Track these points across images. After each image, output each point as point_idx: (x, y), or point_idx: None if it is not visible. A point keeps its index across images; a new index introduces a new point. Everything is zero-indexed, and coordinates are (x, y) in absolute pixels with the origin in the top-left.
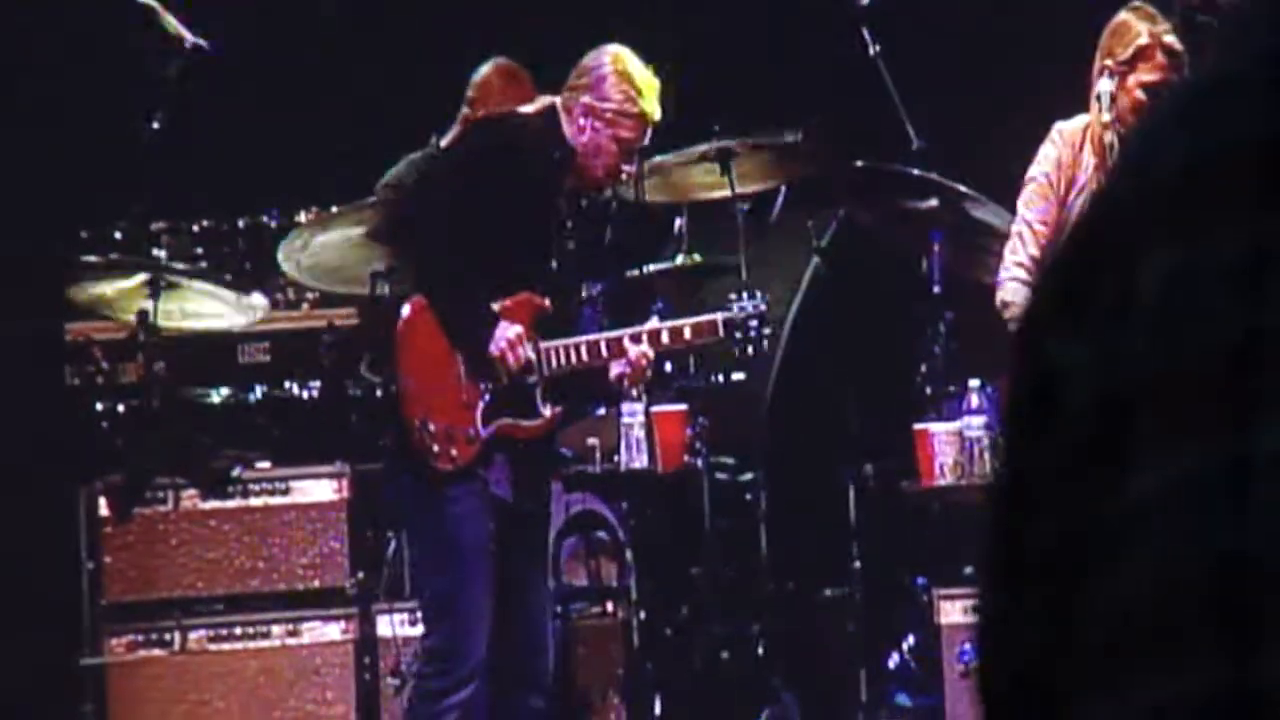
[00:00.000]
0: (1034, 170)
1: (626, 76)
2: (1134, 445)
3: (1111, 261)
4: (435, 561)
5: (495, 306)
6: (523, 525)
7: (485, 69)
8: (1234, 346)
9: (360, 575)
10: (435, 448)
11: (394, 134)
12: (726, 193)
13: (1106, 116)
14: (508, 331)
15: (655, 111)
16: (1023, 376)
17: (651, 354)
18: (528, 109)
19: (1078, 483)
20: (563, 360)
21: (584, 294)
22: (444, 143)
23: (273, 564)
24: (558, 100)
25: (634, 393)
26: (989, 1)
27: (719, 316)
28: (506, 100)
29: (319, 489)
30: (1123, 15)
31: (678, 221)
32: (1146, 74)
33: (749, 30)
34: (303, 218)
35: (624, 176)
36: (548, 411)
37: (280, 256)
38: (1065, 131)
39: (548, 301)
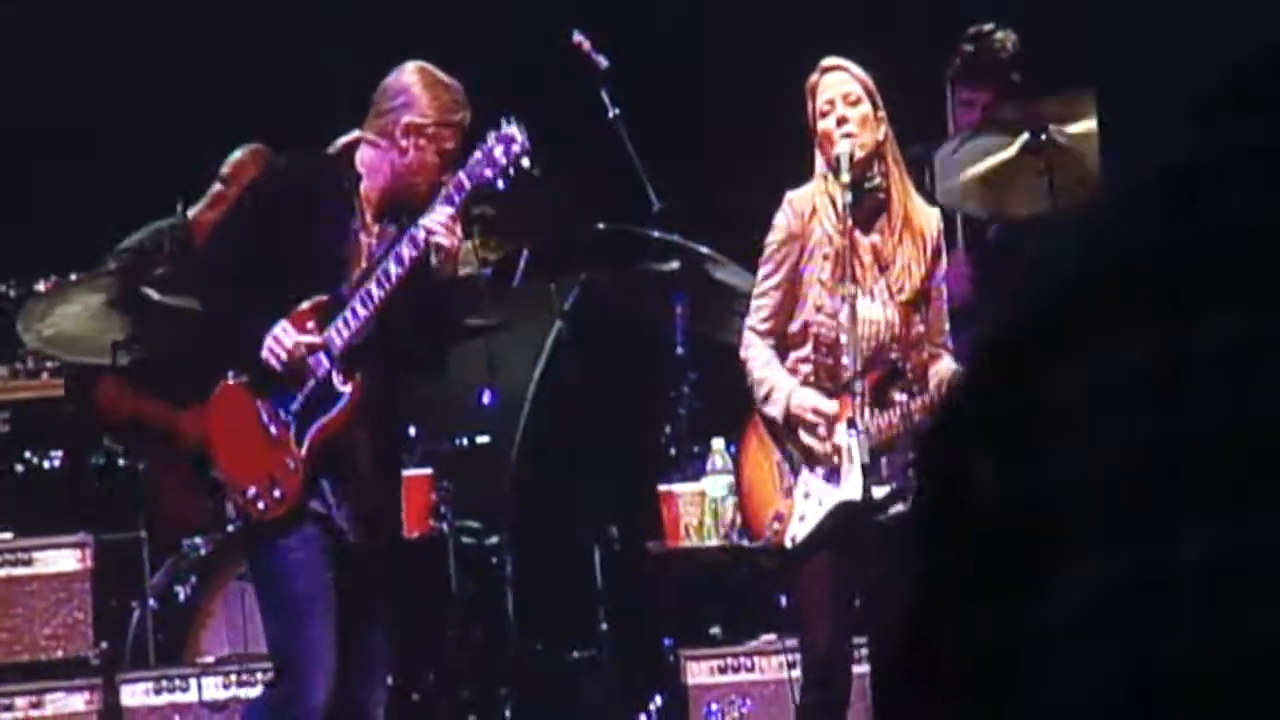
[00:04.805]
0: (769, 238)
1: (438, 85)
2: (1050, 554)
3: (1021, 370)
4: (274, 612)
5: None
6: (361, 568)
7: (240, 153)
8: (1150, 454)
9: (104, 645)
10: (261, 504)
11: (132, 201)
12: (470, 265)
13: (846, 177)
14: (272, 330)
15: (468, 116)
16: (932, 486)
17: (448, 211)
18: (330, 149)
19: (993, 592)
20: (347, 329)
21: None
22: (192, 213)
23: (15, 635)
24: (359, 133)
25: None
26: (725, 67)
27: (460, 173)
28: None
29: (62, 559)
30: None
31: None
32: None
33: (489, 93)
34: (41, 286)
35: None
36: (348, 388)
37: (19, 326)
38: (795, 200)
39: (326, 298)
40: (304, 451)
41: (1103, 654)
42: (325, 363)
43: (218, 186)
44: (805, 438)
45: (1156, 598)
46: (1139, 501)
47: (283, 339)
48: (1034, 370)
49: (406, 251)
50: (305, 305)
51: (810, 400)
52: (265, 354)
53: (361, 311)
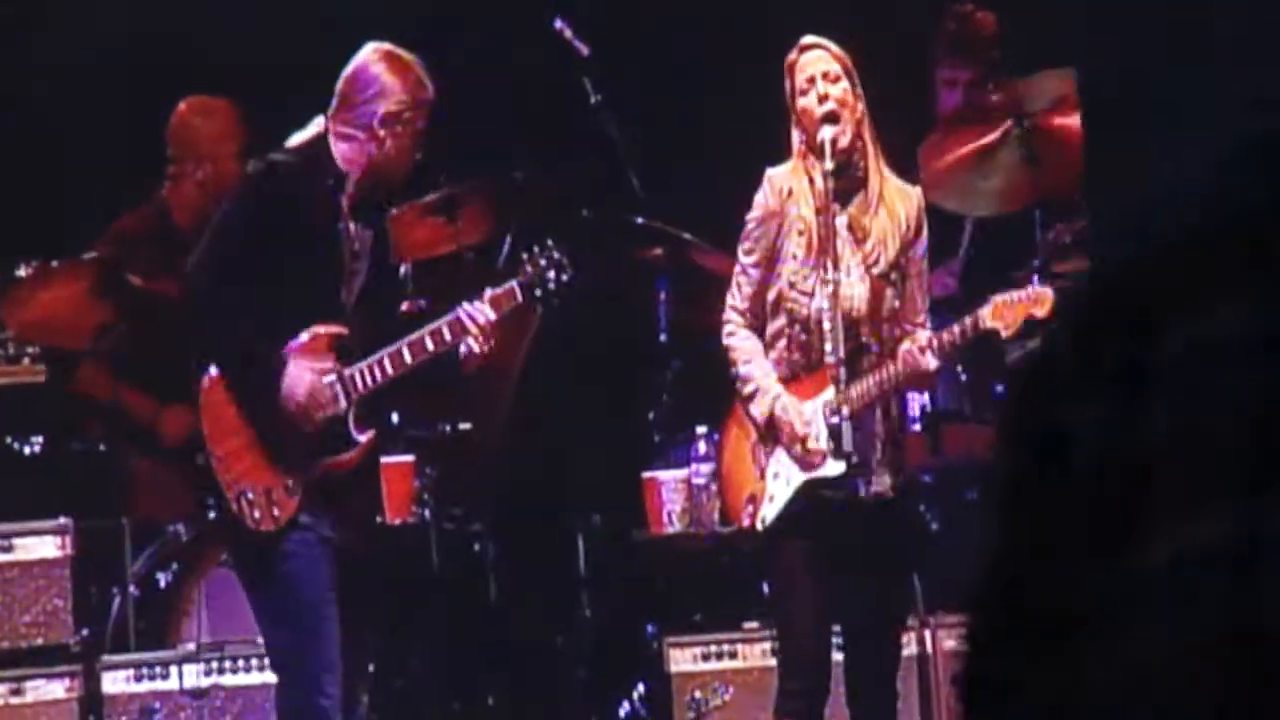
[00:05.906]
0: (749, 215)
1: (405, 67)
2: (1148, 510)
3: (1127, 326)
4: (279, 619)
5: (291, 348)
6: (351, 573)
7: (180, 109)
8: (1253, 415)
9: (85, 632)
10: (256, 513)
11: (115, 187)
12: (453, 246)
13: (830, 165)
14: (296, 389)
15: (433, 89)
16: (1029, 437)
17: (492, 315)
18: (294, 142)
19: (1088, 545)
20: (369, 380)
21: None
22: (164, 193)
23: None
24: (324, 123)
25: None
26: (710, 52)
27: (513, 283)
28: (210, 138)
29: (42, 545)
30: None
31: (403, 268)
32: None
33: (470, 81)
34: (23, 271)
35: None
36: (363, 438)
37: (1, 311)
38: (774, 178)
39: (344, 329)
40: (305, 478)
41: (1197, 613)
42: (343, 402)
43: (175, 161)
44: (784, 442)
45: (1252, 559)
46: (1238, 462)
47: (315, 401)
48: (1139, 327)
49: (446, 334)
50: (317, 335)
51: (794, 413)
52: (293, 408)
53: (389, 369)
